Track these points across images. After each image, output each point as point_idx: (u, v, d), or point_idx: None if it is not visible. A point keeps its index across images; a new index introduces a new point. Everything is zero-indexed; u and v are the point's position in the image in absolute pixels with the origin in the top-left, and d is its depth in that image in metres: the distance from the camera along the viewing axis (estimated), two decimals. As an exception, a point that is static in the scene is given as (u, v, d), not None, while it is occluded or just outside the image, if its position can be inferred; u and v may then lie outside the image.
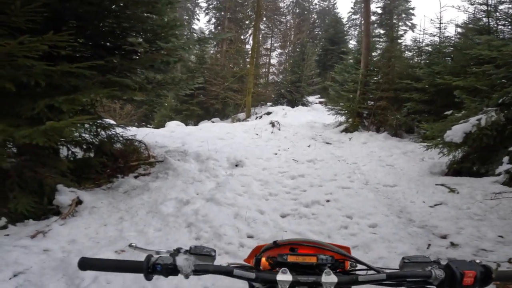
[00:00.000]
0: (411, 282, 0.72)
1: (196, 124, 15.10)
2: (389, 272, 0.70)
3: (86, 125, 3.93)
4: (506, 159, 4.30)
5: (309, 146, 7.77)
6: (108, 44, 3.89)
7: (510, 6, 6.11)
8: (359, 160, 6.30)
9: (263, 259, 0.84)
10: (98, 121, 4.18)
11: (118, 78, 3.22)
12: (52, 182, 3.28)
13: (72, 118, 2.53)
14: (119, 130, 4.67)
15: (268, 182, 4.70)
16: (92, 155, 4.28)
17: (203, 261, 0.74)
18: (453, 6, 7.09)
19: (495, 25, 6.42)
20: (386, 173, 5.32)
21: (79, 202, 3.40)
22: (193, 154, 5.47)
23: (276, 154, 6.73)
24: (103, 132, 4.30)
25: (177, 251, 0.74)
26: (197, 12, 33.86)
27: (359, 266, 0.80)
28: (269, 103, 19.43)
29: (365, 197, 4.12)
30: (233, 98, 17.29)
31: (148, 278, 0.71)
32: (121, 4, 3.42)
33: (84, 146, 4.17)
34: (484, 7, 6.58)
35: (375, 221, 3.40)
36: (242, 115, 15.98)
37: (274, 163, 5.87)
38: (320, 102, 18.91)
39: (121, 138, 4.59)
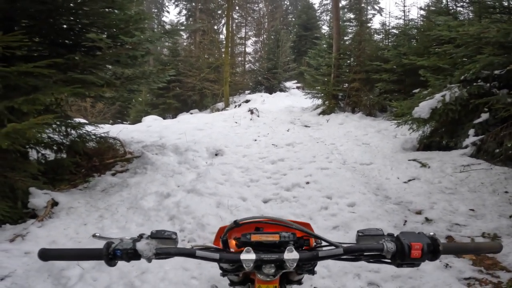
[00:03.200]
0: (367, 255, 0.76)
1: (174, 117, 14.83)
2: (346, 247, 0.73)
3: (54, 125, 3.77)
4: (472, 131, 4.54)
5: (288, 130, 7.86)
6: (67, 41, 3.72)
7: (466, -13, 6.31)
8: (336, 141, 6.45)
9: (232, 241, 0.86)
10: (67, 121, 4.01)
11: (81, 75, 3.09)
12: (23, 185, 3.17)
13: (35, 118, 2.41)
14: (91, 128, 4.52)
15: (249, 169, 4.73)
16: (64, 155, 4.12)
17: (165, 244, 0.75)
18: (414, -12, 7.30)
19: (454, 6, 6.65)
20: (362, 151, 5.49)
21: (54, 203, 3.31)
22: (172, 147, 5.39)
23: (255, 140, 6.76)
24: (73, 132, 4.14)
25: (140, 236, 0.75)
26: (167, 4, 32.85)
27: (324, 243, 0.82)
28: (247, 91, 19.37)
29: (343, 176, 4.25)
30: (210, 89, 17.04)
31: (110, 264, 0.73)
32: (77, 1, 3.26)
33: (55, 147, 4.01)
34: (442, -11, 6.81)
35: (354, 200, 3.52)
36: (220, 104, 15.84)
37: (254, 150, 5.90)
38: (297, 87, 19.10)
39: (94, 137, 4.45)
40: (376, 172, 4.44)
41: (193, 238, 3.00)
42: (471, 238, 2.79)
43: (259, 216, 0.84)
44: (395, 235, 0.74)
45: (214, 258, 0.73)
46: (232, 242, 0.89)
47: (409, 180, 4.03)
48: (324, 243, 0.83)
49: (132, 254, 0.72)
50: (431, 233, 0.74)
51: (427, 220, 3.10)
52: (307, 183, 4.13)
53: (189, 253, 0.73)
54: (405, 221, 3.14)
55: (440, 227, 2.96)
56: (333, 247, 0.76)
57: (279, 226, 0.83)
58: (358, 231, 0.77)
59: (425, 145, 5.16)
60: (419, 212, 3.28)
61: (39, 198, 3.25)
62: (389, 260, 0.74)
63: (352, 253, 0.74)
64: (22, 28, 3.37)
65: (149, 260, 0.72)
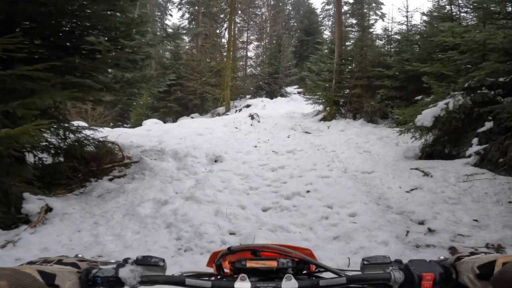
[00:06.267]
0: (372, 285, 0.69)
1: (175, 120, 14.80)
2: (350, 275, 0.68)
3: (52, 129, 3.72)
4: (475, 140, 4.47)
5: (288, 137, 7.80)
6: (68, 44, 3.68)
7: (471, -8, 6.27)
8: (337, 148, 6.38)
9: (226, 264, 0.80)
10: (65, 125, 3.95)
11: (79, 79, 3.04)
12: (17, 190, 3.12)
13: (30, 123, 2.36)
14: (89, 132, 4.46)
15: (249, 176, 4.67)
16: (61, 159, 4.07)
17: (152, 271, 0.69)
18: (418, -6, 7.23)
19: (458, 12, 6.59)
20: (364, 159, 5.42)
21: (48, 209, 3.25)
22: (171, 152, 5.33)
23: (256, 146, 6.70)
24: (71, 135, 4.08)
25: (125, 261, 0.69)
26: (170, 7, 32.96)
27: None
28: (248, 96, 19.31)
29: (344, 185, 4.18)
30: (211, 93, 17.01)
31: None
32: (79, 4, 3.22)
33: (52, 151, 3.95)
34: (446, -6, 6.75)
35: (355, 209, 3.45)
36: (221, 109, 15.80)
37: (254, 156, 5.84)
38: (299, 93, 19.05)
39: (92, 141, 4.39)
40: (377, 181, 4.37)
41: (190, 247, 2.93)
42: (474, 249, 2.71)
43: (256, 244, 0.77)
44: (404, 263, 0.68)
45: (206, 286, 0.66)
46: (227, 265, 0.83)
47: (412, 190, 3.96)
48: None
49: (114, 282, 0.66)
50: (442, 257, 0.68)
51: (430, 230, 3.04)
52: (308, 191, 4.06)
53: (178, 281, 0.67)
54: (407, 231, 3.07)
55: (444, 237, 2.89)
56: (335, 276, 0.70)
57: (277, 251, 0.78)
58: (363, 259, 0.70)
59: (428, 153, 5.09)
60: (421, 223, 3.21)
61: (33, 203, 3.19)
62: None
63: (356, 283, 0.68)
64: (23, 30, 3.34)
65: None
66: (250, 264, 0.73)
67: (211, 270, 0.94)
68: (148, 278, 0.67)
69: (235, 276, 0.71)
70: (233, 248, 0.75)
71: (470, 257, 0.64)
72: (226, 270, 0.85)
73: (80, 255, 0.71)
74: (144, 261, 0.69)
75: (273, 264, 0.73)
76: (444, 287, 0.64)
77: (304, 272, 0.83)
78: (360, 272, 0.69)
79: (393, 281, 0.64)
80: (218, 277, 0.81)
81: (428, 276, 0.62)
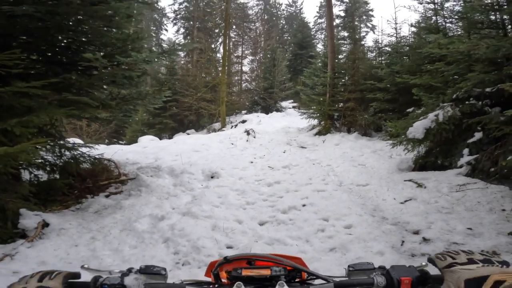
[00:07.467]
0: None
1: (170, 137, 14.83)
2: (337, 281, 0.73)
3: (48, 146, 3.74)
4: (466, 151, 4.56)
5: (284, 152, 7.86)
6: (65, 59, 3.74)
7: (455, 3, 6.35)
8: (332, 162, 6.45)
9: (223, 273, 0.84)
10: (61, 142, 3.98)
11: (76, 96, 3.09)
12: (14, 206, 3.12)
13: (28, 141, 2.39)
14: (85, 149, 4.48)
15: (245, 191, 4.70)
16: (57, 176, 4.07)
17: (155, 279, 0.73)
18: (405, 6, 7.33)
19: (443, 22, 6.71)
20: (359, 172, 5.49)
21: (45, 224, 3.25)
22: (167, 169, 5.36)
23: (252, 162, 6.75)
24: (67, 153, 4.10)
25: (129, 271, 0.73)
26: (165, 22, 33.57)
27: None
28: (243, 111, 19.46)
29: (339, 198, 4.22)
30: (206, 109, 17.14)
31: None
32: (75, 19, 3.31)
33: (48, 168, 3.96)
34: (432, 6, 6.85)
35: (350, 221, 3.49)
36: (217, 125, 15.90)
37: (250, 172, 5.88)
38: (294, 107, 19.27)
39: (88, 158, 4.41)
40: (372, 193, 4.43)
41: (187, 261, 2.94)
42: (470, 251, 2.74)
43: (249, 253, 0.83)
44: (386, 268, 0.74)
45: None
46: (224, 274, 0.87)
47: (406, 201, 4.01)
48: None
49: None
50: (423, 263, 0.75)
51: (425, 239, 3.07)
52: (304, 205, 4.09)
53: None
54: (403, 241, 3.10)
55: (438, 246, 2.93)
56: (324, 282, 0.75)
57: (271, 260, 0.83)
58: (348, 266, 0.77)
59: (421, 165, 5.17)
60: (416, 232, 3.25)
61: (29, 219, 3.20)
62: None
63: None
64: (20, 45, 3.40)
65: None
66: (246, 272, 0.78)
67: (209, 279, 0.98)
68: (151, 286, 0.71)
69: (232, 282, 0.75)
70: (229, 257, 0.80)
71: (462, 266, 0.64)
72: (224, 280, 0.89)
73: (86, 266, 0.75)
74: (147, 270, 0.73)
75: (267, 272, 0.78)
76: None
77: (297, 280, 0.88)
78: (347, 278, 0.75)
79: (376, 285, 0.70)
80: (216, 286, 0.85)
81: (406, 280, 0.68)
